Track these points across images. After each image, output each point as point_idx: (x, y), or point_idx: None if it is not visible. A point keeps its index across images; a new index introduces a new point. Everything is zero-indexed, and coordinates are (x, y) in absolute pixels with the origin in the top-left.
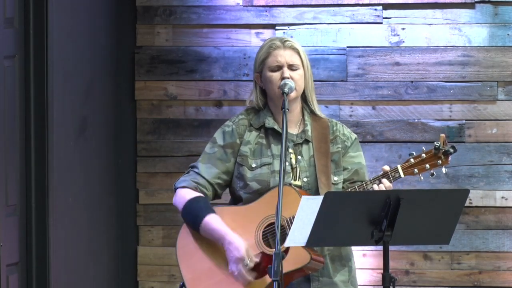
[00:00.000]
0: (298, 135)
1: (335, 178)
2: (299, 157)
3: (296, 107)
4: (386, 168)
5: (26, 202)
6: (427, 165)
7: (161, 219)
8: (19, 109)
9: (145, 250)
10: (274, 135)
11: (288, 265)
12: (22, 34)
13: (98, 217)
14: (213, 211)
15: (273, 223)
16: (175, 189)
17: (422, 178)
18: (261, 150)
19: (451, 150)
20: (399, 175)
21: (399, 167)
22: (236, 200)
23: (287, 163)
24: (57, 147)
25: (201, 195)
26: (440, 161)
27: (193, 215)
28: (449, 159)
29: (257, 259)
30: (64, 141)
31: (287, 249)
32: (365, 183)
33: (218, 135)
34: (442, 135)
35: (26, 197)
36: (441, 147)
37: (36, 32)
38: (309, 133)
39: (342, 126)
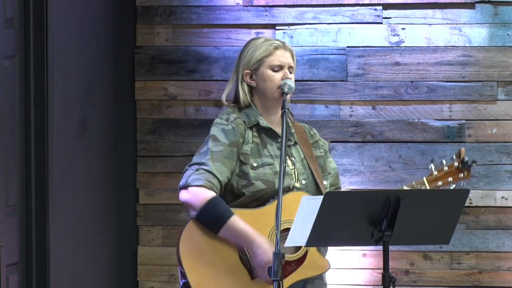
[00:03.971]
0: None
1: (324, 182)
2: (292, 158)
3: (279, 109)
4: (411, 183)
5: (26, 202)
6: (450, 178)
7: (161, 219)
8: (19, 109)
9: (145, 250)
10: (268, 134)
11: (308, 271)
12: (22, 34)
13: (98, 217)
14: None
15: (288, 229)
16: (187, 186)
17: None
18: (258, 150)
19: (475, 165)
20: (425, 188)
21: (424, 179)
22: (232, 197)
23: (285, 165)
24: (57, 147)
25: (217, 194)
26: (462, 175)
27: (216, 214)
28: (471, 172)
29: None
30: (64, 141)
31: (305, 254)
32: None
33: (218, 133)
34: (463, 149)
35: (26, 197)
36: (469, 162)
37: (36, 32)
38: (295, 135)
39: (316, 130)
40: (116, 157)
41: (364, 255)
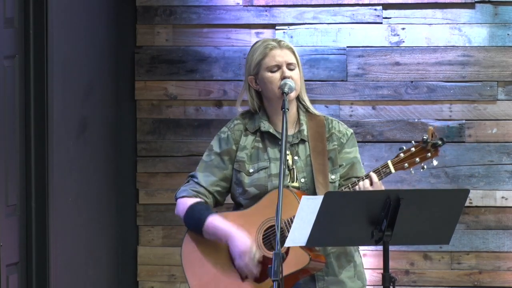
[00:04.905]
0: (294, 135)
1: (332, 177)
2: (295, 157)
3: (293, 107)
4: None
5: (26, 202)
6: (417, 159)
7: (161, 219)
8: (19, 109)
9: (145, 250)
10: (270, 138)
11: (288, 267)
12: (22, 34)
13: (98, 217)
14: (214, 213)
15: (272, 226)
16: (176, 199)
17: (413, 172)
18: (257, 154)
19: (439, 142)
20: (390, 171)
21: (389, 162)
22: (237, 206)
23: (285, 166)
24: (57, 147)
25: (201, 200)
26: (429, 154)
27: (195, 218)
28: (439, 151)
29: (260, 258)
30: (64, 141)
31: (287, 250)
32: (357, 180)
33: (214, 143)
34: (430, 127)
35: (26, 197)
36: (429, 140)
37: (36, 32)
38: (305, 132)
39: (338, 122)
40: (116, 157)
41: (364, 255)
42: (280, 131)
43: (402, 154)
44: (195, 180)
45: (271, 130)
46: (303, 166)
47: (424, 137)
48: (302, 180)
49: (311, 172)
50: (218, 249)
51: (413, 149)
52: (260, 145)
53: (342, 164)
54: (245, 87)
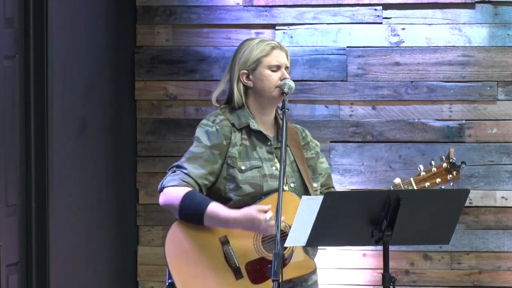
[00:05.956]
0: (274, 138)
1: (315, 185)
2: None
3: (273, 112)
4: (397, 180)
5: (26, 202)
6: (439, 179)
7: (161, 219)
8: (19, 109)
9: (145, 250)
10: (258, 137)
11: (292, 271)
12: (22, 34)
13: (98, 217)
14: (213, 200)
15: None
16: (163, 188)
17: None
18: (247, 152)
19: (464, 166)
20: (413, 188)
21: (412, 180)
22: (220, 201)
23: (273, 168)
24: (57, 147)
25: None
26: (451, 176)
27: (195, 204)
28: (460, 173)
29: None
30: (64, 141)
31: (291, 254)
32: None
33: (201, 135)
34: (452, 149)
35: (26, 197)
36: (457, 163)
37: (36, 32)
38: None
39: (308, 132)
40: (116, 157)
41: (364, 255)
42: (266, 131)
43: (424, 173)
44: (184, 171)
45: (262, 129)
46: (291, 171)
47: (452, 159)
48: (292, 185)
49: (299, 178)
50: (209, 245)
51: (434, 169)
52: (248, 143)
53: (322, 173)
54: (227, 81)
